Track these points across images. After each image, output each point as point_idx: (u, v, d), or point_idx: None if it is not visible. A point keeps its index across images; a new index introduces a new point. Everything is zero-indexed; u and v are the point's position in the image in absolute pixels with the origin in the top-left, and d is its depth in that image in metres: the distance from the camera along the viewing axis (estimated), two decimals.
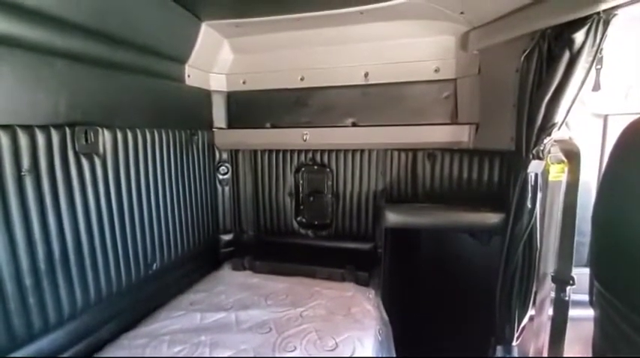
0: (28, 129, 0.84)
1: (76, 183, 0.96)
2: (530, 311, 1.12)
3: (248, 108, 1.62)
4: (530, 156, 1.02)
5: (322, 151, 1.58)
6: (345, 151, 1.55)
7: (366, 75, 1.44)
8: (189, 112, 1.46)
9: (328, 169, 1.59)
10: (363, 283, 1.36)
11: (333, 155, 1.57)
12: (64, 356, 0.93)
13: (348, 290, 1.33)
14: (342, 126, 1.51)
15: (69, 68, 0.94)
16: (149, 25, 1.15)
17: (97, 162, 1.03)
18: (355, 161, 1.55)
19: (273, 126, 1.59)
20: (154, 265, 1.26)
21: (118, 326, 1.09)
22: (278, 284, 1.39)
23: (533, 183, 1.05)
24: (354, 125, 1.50)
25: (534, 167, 1.03)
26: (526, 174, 1.04)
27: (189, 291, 1.35)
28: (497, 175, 1.37)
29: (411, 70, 1.40)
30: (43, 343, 0.88)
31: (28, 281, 0.84)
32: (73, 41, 0.95)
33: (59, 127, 0.91)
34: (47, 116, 0.89)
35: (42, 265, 0.87)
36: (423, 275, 1.29)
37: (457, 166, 1.43)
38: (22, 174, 0.82)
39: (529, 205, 1.05)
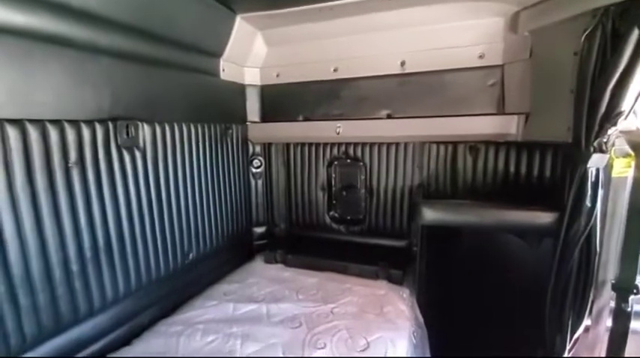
0: (75, 123, 0.88)
1: (118, 176, 1.01)
2: (586, 322, 1.02)
3: (281, 101, 1.61)
4: (591, 149, 0.91)
5: (356, 144, 1.54)
6: (380, 144, 1.49)
7: (403, 64, 1.36)
8: (223, 106, 1.48)
9: (362, 163, 1.54)
10: (397, 281, 1.31)
11: (367, 148, 1.52)
12: (107, 338, 0.99)
13: (381, 289, 1.28)
14: (377, 118, 1.45)
15: (112, 65, 0.98)
16: (187, 21, 1.17)
17: (138, 155, 1.07)
18: (390, 154, 1.48)
19: (306, 119, 1.57)
20: (191, 255, 1.30)
21: (156, 313, 1.14)
22: (309, 278, 1.38)
23: (593, 180, 0.94)
24: (389, 117, 1.43)
25: (595, 161, 0.91)
26: (585, 169, 0.93)
27: (222, 281, 1.38)
28: (549, 170, 1.24)
29: (451, 57, 1.30)
30: (88, 326, 0.94)
31: (74, 267, 0.90)
32: (115, 39, 0.99)
33: (103, 122, 0.95)
34: (92, 111, 0.93)
35: (87, 252, 0.93)
36: (462, 278, 1.21)
37: (503, 160, 1.32)
38: (70, 166, 0.87)
39: (588, 204, 0.94)
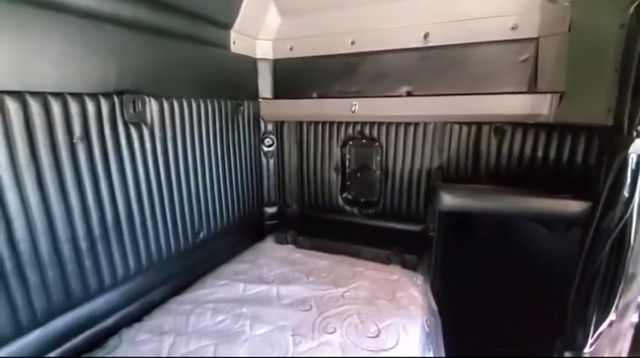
0: (78, 97, 0.84)
1: (126, 152, 0.98)
2: (611, 316, 0.96)
3: (294, 76, 1.53)
4: (634, 134, 0.82)
5: (372, 124, 1.46)
6: (398, 124, 1.41)
7: (426, 36, 1.26)
8: (234, 81, 1.41)
9: (377, 143, 1.47)
10: (411, 267, 1.27)
11: (384, 128, 1.44)
12: (119, 315, 0.99)
13: (394, 274, 1.25)
14: (396, 95, 1.36)
15: (117, 34, 0.93)
16: None
17: (145, 131, 1.03)
18: (408, 135, 1.41)
19: (320, 97, 1.49)
20: (201, 234, 1.29)
21: (167, 290, 1.14)
22: (320, 261, 1.35)
23: (634, 167, 0.85)
24: (409, 94, 1.34)
25: (638, 147, 0.83)
26: (626, 156, 0.84)
27: (233, 261, 1.37)
28: (581, 155, 1.15)
29: (480, 29, 1.19)
30: (100, 302, 0.94)
31: (83, 244, 0.88)
32: (121, 6, 0.93)
33: (108, 96, 0.91)
34: (96, 84, 0.89)
35: (96, 230, 0.91)
36: (480, 266, 1.16)
37: (531, 143, 1.22)
38: (74, 141, 0.84)
39: (626, 194, 0.86)
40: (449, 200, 1.08)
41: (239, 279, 1.22)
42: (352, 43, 1.38)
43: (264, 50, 1.52)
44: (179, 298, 1.12)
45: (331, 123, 1.53)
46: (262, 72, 1.54)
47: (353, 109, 1.39)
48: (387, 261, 1.32)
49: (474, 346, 1.18)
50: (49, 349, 0.83)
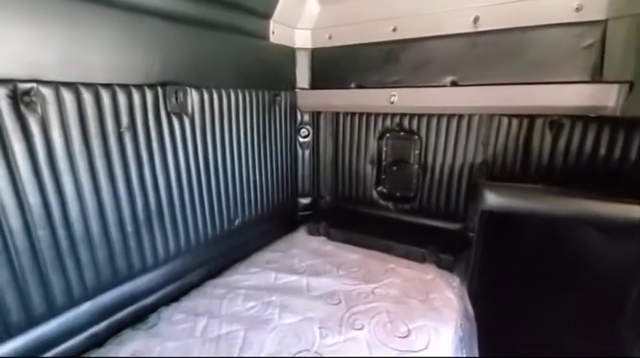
0: (126, 88, 0.89)
1: (168, 141, 1.02)
2: None
3: (332, 66, 1.50)
4: None
5: (411, 116, 1.40)
6: (440, 116, 1.34)
7: (476, 20, 1.16)
8: (272, 72, 1.42)
9: (417, 136, 1.40)
10: (447, 267, 1.21)
11: (424, 120, 1.37)
12: (159, 294, 1.06)
13: (428, 273, 1.20)
14: (439, 85, 1.28)
15: (161, 28, 0.97)
16: None
17: (186, 121, 1.07)
18: (451, 128, 1.32)
19: (358, 87, 1.45)
20: (237, 221, 1.32)
21: (204, 273, 1.20)
22: (351, 254, 1.34)
23: None
24: (453, 84, 1.26)
25: None
26: None
27: (266, 249, 1.40)
28: None
29: (538, 11, 1.07)
30: (142, 280, 1.01)
31: (129, 227, 0.95)
32: (166, 0, 0.96)
33: (152, 87, 0.95)
34: (142, 75, 0.93)
35: (140, 214, 0.97)
36: (526, 271, 1.07)
37: (592, 139, 1.09)
38: (122, 130, 0.89)
39: None
40: (492, 199, 1.00)
41: (271, 268, 1.25)
42: (394, 29, 1.32)
43: (302, 39, 1.50)
44: (214, 282, 1.17)
45: (368, 115, 1.49)
46: (300, 62, 1.53)
47: (392, 100, 1.34)
48: (422, 260, 1.27)
49: (511, 355, 1.10)
50: (98, 320, 0.91)
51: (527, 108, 1.14)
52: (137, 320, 0.97)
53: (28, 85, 0.71)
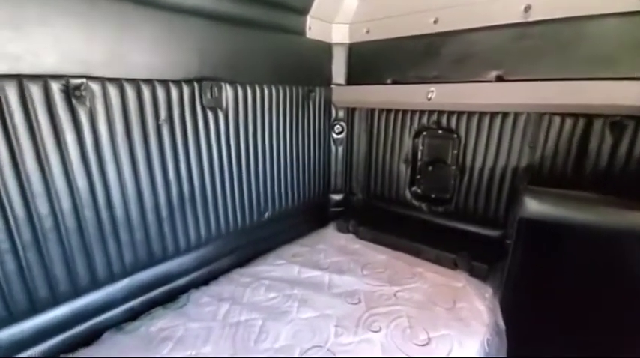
0: (164, 83, 0.95)
1: (202, 134, 1.08)
2: None
3: (369, 61, 1.46)
4: None
5: (450, 113, 1.31)
6: (482, 114, 1.24)
7: (527, 9, 1.05)
8: (308, 67, 1.42)
9: (455, 135, 1.32)
10: (480, 276, 1.13)
11: (464, 118, 1.28)
12: (190, 277, 1.13)
13: (458, 281, 1.13)
14: (482, 80, 1.18)
15: (199, 26, 1.02)
16: None
17: (221, 115, 1.12)
18: (493, 127, 1.22)
19: (395, 83, 1.40)
20: (266, 214, 1.36)
21: (233, 261, 1.25)
22: (378, 255, 1.31)
23: None
24: (499, 79, 1.16)
25: None
26: None
27: (294, 243, 1.43)
28: None
29: None
30: (175, 263, 1.09)
31: (164, 212, 1.02)
32: None
33: (189, 82, 1.01)
34: (180, 72, 0.99)
35: (175, 201, 1.04)
36: (570, 290, 0.95)
37: None
38: (160, 123, 0.96)
39: None
40: (534, 206, 0.91)
41: (296, 261, 1.27)
42: (435, 21, 1.25)
43: (340, 35, 1.48)
44: (242, 270, 1.22)
45: (404, 112, 1.43)
46: (337, 57, 1.52)
47: (429, 96, 1.27)
48: (453, 266, 1.20)
49: None
50: (134, 296, 1.00)
51: (584, 106, 1.01)
52: (169, 299, 1.05)
53: (78, 81, 0.79)
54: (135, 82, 0.89)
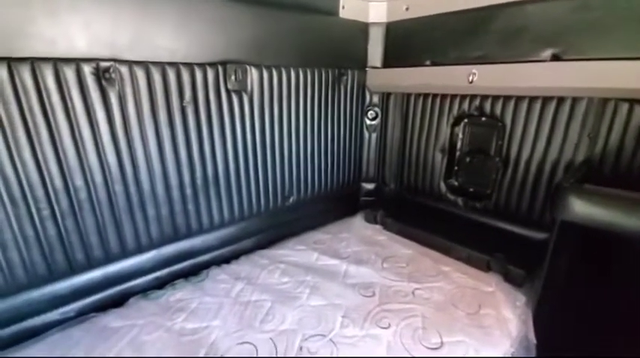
0: (189, 66, 0.98)
1: (227, 117, 1.10)
2: None
3: (408, 42, 1.35)
4: None
5: (495, 98, 1.17)
6: (532, 99, 1.08)
7: None
8: (340, 49, 1.36)
9: (500, 123, 1.17)
10: (515, 282, 1.01)
11: (511, 104, 1.13)
12: (213, 254, 1.18)
13: (489, 284, 1.03)
14: (535, 60, 1.02)
15: (224, 8, 1.02)
16: None
17: (245, 98, 1.13)
18: (546, 114, 1.06)
19: (434, 64, 1.28)
20: (291, 198, 1.36)
21: (255, 243, 1.28)
22: (403, 248, 1.24)
23: None
24: (554, 58, 0.99)
25: None
26: None
27: (318, 230, 1.41)
28: None
29: None
30: (199, 240, 1.14)
31: (188, 191, 1.07)
32: None
33: (213, 65, 1.03)
34: (204, 54, 1.01)
35: (198, 181, 1.09)
36: (618, 307, 0.80)
37: None
38: (184, 105, 1.00)
39: None
40: (580, 208, 0.77)
41: (316, 248, 1.25)
42: None
43: (377, 13, 1.39)
44: (262, 252, 1.24)
45: (443, 97, 1.30)
46: (373, 38, 1.43)
47: (471, 79, 1.14)
48: (485, 268, 1.09)
49: None
50: (160, 267, 1.07)
51: None
52: (192, 273, 1.11)
53: (107, 64, 0.85)
54: (160, 65, 0.93)
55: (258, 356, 0.78)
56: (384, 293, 1.00)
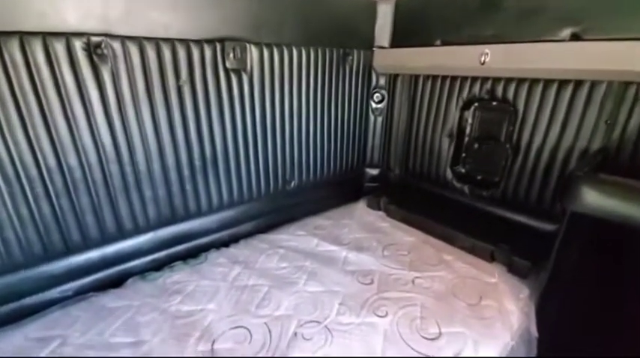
0: (185, 42, 0.94)
1: (225, 97, 1.06)
2: None
3: (417, 20, 1.28)
4: None
5: (508, 80, 1.10)
6: (548, 82, 1.02)
7: None
8: (344, 28, 1.30)
9: (512, 108, 1.11)
10: (519, 273, 0.98)
11: (524, 87, 1.06)
12: (212, 237, 1.17)
13: (492, 275, 1.00)
14: (552, 40, 0.95)
15: None
16: None
17: (245, 78, 1.08)
18: (561, 98, 1.00)
19: (444, 44, 1.21)
20: (293, 183, 1.33)
21: (254, 227, 1.27)
22: (406, 236, 1.21)
23: None
24: (574, 38, 0.92)
25: None
26: None
27: (319, 215, 1.39)
28: None
29: None
30: (197, 223, 1.13)
31: (186, 172, 1.05)
32: None
33: (210, 42, 0.98)
34: (200, 30, 0.96)
35: (196, 162, 1.06)
36: (628, 305, 0.76)
37: None
38: (180, 84, 0.96)
39: None
40: (593, 198, 0.72)
41: (316, 234, 1.23)
42: None
43: None
44: (262, 236, 1.23)
45: (453, 79, 1.24)
46: (381, 16, 1.35)
47: (482, 60, 1.07)
48: (489, 258, 1.06)
49: None
50: (158, 249, 1.06)
51: None
52: (190, 255, 1.11)
53: (99, 39, 0.81)
54: (154, 41, 0.89)
55: (252, 340, 0.77)
56: (383, 281, 0.97)
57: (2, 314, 0.83)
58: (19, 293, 0.86)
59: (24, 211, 0.82)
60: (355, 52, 1.34)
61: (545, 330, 0.83)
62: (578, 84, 0.96)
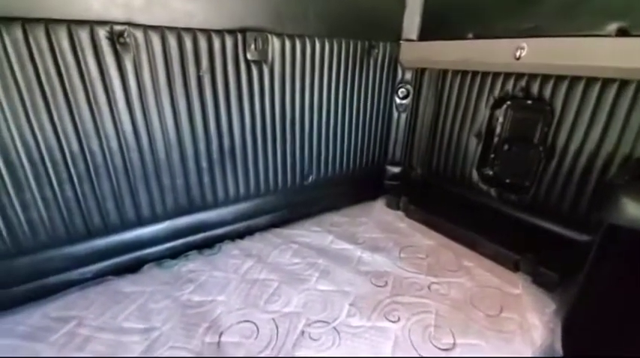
0: (206, 33, 0.93)
1: (245, 89, 1.05)
2: None
3: (449, 11, 1.21)
4: None
5: (545, 78, 1.02)
6: (589, 80, 0.93)
7: None
8: (370, 19, 1.25)
9: (548, 107, 1.03)
10: (545, 286, 0.91)
11: (563, 85, 0.98)
12: (227, 228, 1.17)
13: (515, 286, 0.94)
14: (596, 35, 0.87)
15: None
16: None
17: (265, 70, 1.07)
18: (604, 99, 0.91)
19: (477, 37, 1.14)
20: (310, 177, 1.31)
21: (269, 221, 1.26)
22: (424, 239, 1.16)
23: None
24: (620, 33, 0.83)
25: None
26: None
27: (336, 212, 1.37)
28: None
29: None
30: (214, 214, 1.13)
31: (204, 163, 1.05)
32: None
33: (232, 33, 0.97)
34: (222, 20, 0.95)
35: (214, 154, 1.06)
36: None
37: None
38: (200, 74, 0.96)
39: None
40: (633, 210, 0.65)
41: (331, 231, 1.21)
42: None
43: None
44: (277, 230, 1.22)
45: (484, 75, 1.16)
46: (410, 6, 1.29)
47: (518, 54, 1.00)
48: (513, 268, 1.00)
49: None
50: (175, 237, 1.08)
51: None
52: (206, 245, 1.12)
53: (122, 27, 0.82)
54: (176, 31, 0.89)
55: (258, 336, 0.76)
56: (398, 285, 0.94)
57: (26, 291, 0.87)
58: (43, 273, 0.90)
59: (48, 193, 0.85)
60: (381, 44, 1.29)
61: (571, 349, 0.77)
62: (624, 84, 0.87)
